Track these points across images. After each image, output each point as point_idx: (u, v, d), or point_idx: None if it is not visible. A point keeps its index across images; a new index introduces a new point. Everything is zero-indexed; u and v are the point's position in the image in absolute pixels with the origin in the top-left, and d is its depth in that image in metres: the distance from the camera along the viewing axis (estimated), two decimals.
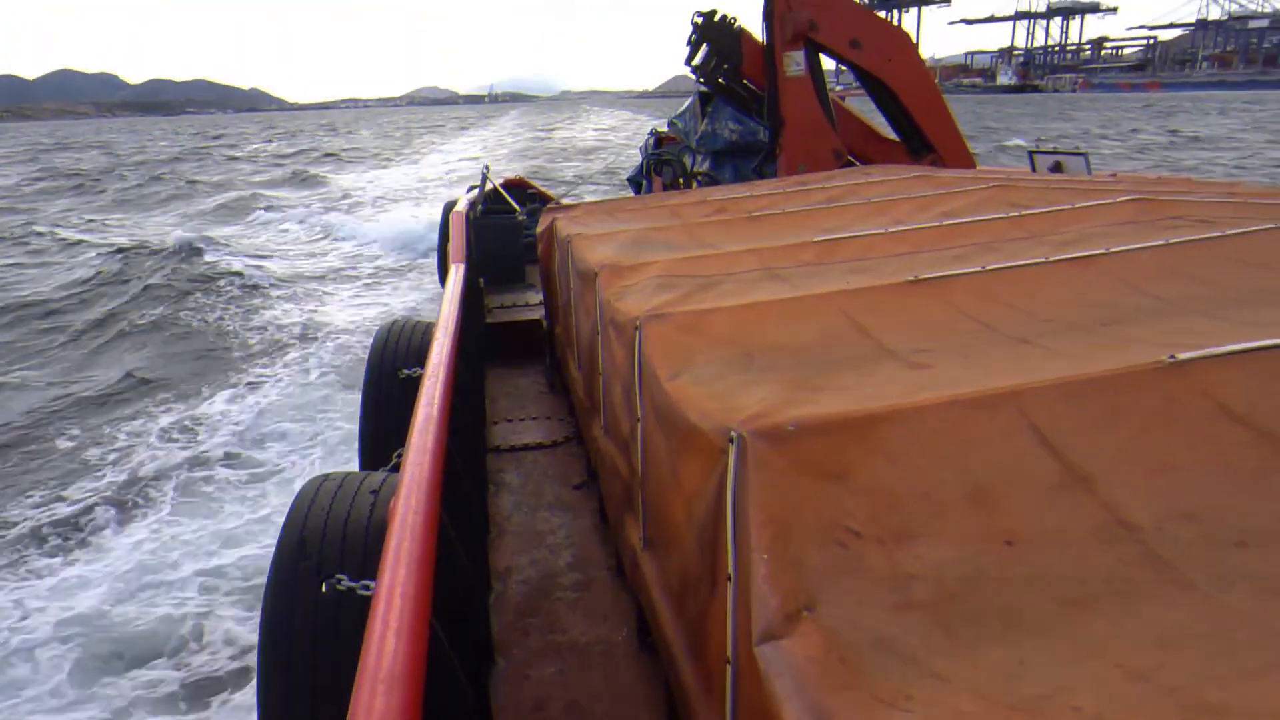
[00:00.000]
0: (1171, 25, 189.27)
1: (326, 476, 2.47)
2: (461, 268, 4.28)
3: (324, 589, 1.97)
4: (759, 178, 6.89)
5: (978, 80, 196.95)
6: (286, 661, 2.00)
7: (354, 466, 3.63)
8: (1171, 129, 47.54)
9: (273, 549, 2.21)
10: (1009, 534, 1.33)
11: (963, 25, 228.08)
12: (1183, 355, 1.57)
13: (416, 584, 1.57)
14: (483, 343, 5.36)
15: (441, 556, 1.95)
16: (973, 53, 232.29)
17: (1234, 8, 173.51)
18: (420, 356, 3.24)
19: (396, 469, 2.22)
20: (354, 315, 12.19)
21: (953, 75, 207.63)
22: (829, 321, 2.13)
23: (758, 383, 1.78)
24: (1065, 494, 1.38)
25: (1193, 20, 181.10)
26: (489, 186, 7.78)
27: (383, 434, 3.35)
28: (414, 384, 2.89)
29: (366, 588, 1.83)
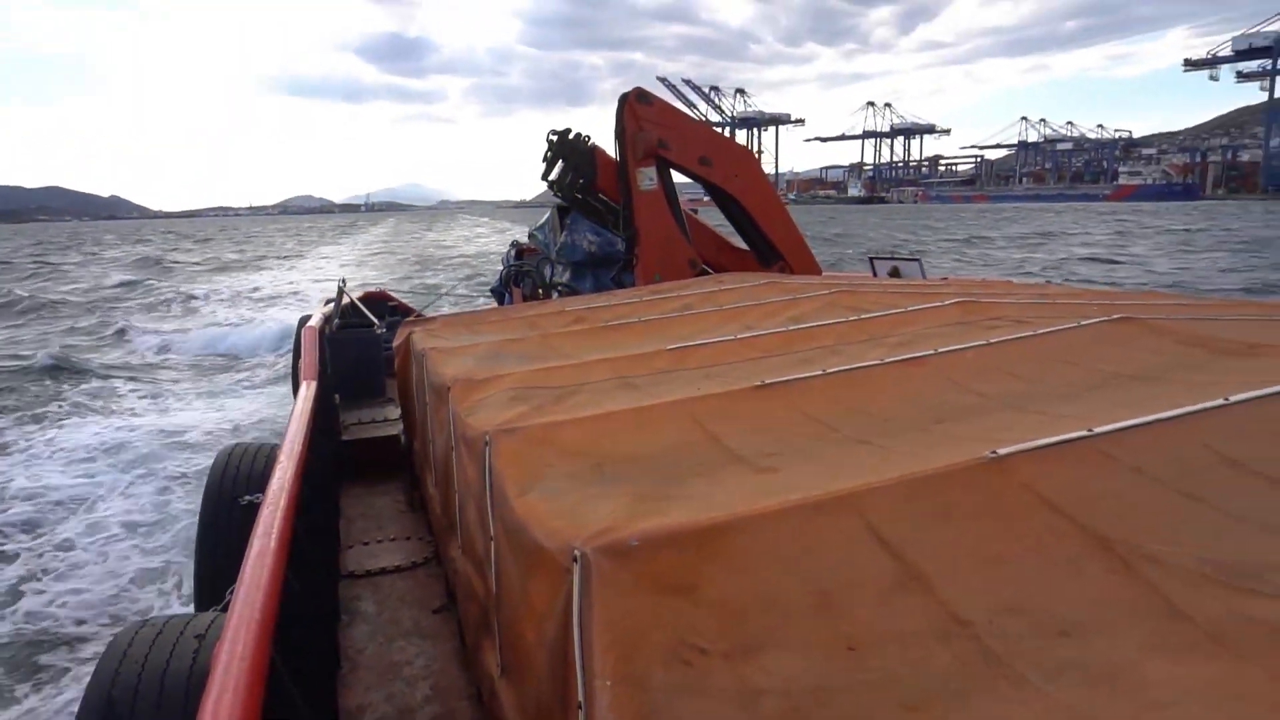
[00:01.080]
0: (998, 146, 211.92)
1: (144, 623, 2.22)
2: (313, 384, 4.10)
3: None
4: (618, 287, 7.05)
5: (831, 192, 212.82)
6: None
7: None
8: (980, 235, 54.07)
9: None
10: (852, 639, 1.32)
11: (817, 143, 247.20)
12: (1003, 451, 1.65)
13: None
14: (338, 462, 5.11)
15: (274, 705, 1.77)
16: (826, 168, 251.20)
17: (1048, 132, 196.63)
18: (264, 482, 3.03)
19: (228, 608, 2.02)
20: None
21: (809, 188, 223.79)
22: (680, 429, 2.14)
23: (606, 496, 1.75)
24: (903, 594, 1.40)
25: (1015, 142, 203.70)
26: (345, 300, 7.62)
27: (220, 569, 3.08)
28: (255, 512, 2.70)
29: None
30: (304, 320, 7.59)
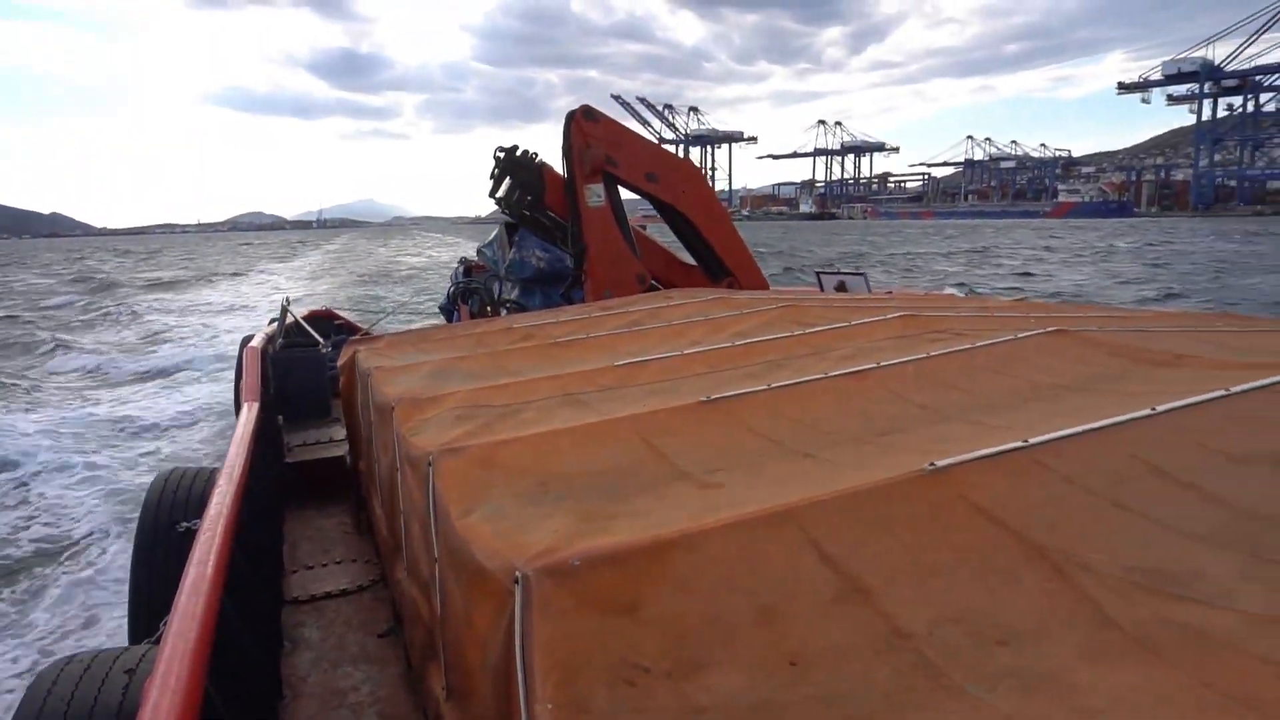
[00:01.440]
0: (945, 164, 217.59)
1: (71, 659, 2.13)
2: (255, 406, 4.01)
3: None
4: (567, 304, 7.04)
5: (784, 209, 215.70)
6: None
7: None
8: (919, 251, 56.15)
9: None
10: (793, 654, 1.32)
11: (770, 160, 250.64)
12: (941, 462, 1.68)
13: None
14: (282, 484, 4.98)
15: None
16: (779, 184, 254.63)
17: (993, 150, 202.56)
18: (202, 507, 2.95)
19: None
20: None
21: (762, 204, 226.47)
22: (625, 446, 2.13)
23: (550, 515, 1.73)
24: (845, 607, 1.41)
25: (961, 160, 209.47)
26: (290, 319, 7.47)
27: (155, 600, 2.97)
28: (193, 539, 2.61)
29: None
30: (246, 340, 7.43)
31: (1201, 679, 1.16)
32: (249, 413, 3.90)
